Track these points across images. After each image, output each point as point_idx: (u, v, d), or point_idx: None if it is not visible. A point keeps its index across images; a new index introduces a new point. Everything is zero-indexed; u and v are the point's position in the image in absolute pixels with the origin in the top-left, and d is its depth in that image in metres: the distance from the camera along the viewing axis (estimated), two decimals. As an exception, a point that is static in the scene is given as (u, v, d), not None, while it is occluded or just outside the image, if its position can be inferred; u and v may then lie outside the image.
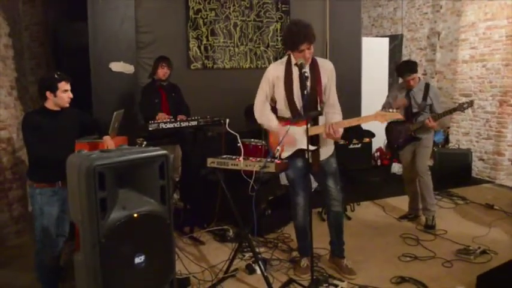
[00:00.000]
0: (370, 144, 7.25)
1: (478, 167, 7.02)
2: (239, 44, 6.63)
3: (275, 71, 3.50)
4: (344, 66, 7.28)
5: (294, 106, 3.42)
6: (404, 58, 9.45)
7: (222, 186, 3.69)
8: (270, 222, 4.67)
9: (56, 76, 3.20)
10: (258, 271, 3.64)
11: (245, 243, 3.91)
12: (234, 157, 3.52)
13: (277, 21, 6.82)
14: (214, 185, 4.66)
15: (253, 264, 3.72)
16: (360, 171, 6.99)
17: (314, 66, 3.41)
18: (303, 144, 3.27)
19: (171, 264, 2.41)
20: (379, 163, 7.61)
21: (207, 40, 6.41)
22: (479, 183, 6.70)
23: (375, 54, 7.81)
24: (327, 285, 3.45)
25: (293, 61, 3.37)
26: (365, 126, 7.03)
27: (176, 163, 5.15)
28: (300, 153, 3.48)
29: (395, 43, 9.63)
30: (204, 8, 6.29)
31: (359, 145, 7.16)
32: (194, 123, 4.56)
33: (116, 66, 5.66)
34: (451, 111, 4.55)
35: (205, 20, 6.36)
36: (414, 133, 4.68)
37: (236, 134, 3.55)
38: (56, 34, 6.87)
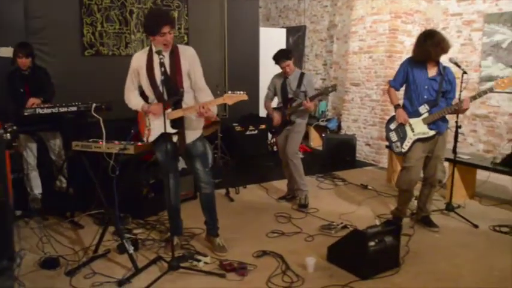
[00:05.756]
0: (266, 130, 7.55)
1: (364, 152, 7.53)
2: (135, 31, 6.68)
3: (138, 59, 3.64)
4: (242, 55, 7.60)
5: (158, 91, 3.57)
6: (307, 48, 9.88)
7: (87, 168, 3.79)
8: (151, 205, 4.81)
9: None
10: (130, 250, 3.78)
11: (120, 226, 4.03)
12: (98, 140, 3.64)
13: (174, 10, 6.93)
14: (96, 169, 4.71)
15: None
16: (256, 156, 7.30)
17: (174, 53, 3.57)
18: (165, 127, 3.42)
19: (8, 240, 2.51)
20: (275, 149, 7.93)
21: (102, 27, 6.41)
22: (363, 166, 7.21)
23: (273, 44, 8.06)
24: (191, 260, 3.67)
25: (154, 49, 3.52)
26: (262, 113, 7.32)
27: (59, 148, 5.13)
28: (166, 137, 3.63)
29: (299, 34, 10.02)
30: (98, -6, 6.30)
31: (256, 131, 7.45)
32: (74, 108, 4.54)
33: (5, 52, 5.55)
34: (318, 95, 4.92)
35: (100, 6, 6.36)
36: (289, 117, 4.99)
37: (100, 118, 3.65)
38: None
